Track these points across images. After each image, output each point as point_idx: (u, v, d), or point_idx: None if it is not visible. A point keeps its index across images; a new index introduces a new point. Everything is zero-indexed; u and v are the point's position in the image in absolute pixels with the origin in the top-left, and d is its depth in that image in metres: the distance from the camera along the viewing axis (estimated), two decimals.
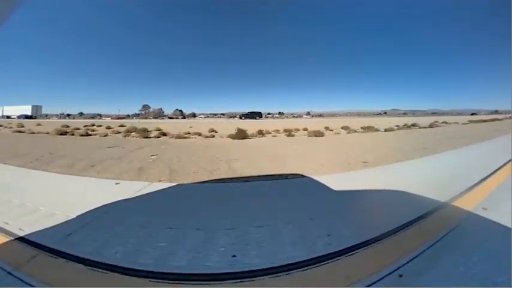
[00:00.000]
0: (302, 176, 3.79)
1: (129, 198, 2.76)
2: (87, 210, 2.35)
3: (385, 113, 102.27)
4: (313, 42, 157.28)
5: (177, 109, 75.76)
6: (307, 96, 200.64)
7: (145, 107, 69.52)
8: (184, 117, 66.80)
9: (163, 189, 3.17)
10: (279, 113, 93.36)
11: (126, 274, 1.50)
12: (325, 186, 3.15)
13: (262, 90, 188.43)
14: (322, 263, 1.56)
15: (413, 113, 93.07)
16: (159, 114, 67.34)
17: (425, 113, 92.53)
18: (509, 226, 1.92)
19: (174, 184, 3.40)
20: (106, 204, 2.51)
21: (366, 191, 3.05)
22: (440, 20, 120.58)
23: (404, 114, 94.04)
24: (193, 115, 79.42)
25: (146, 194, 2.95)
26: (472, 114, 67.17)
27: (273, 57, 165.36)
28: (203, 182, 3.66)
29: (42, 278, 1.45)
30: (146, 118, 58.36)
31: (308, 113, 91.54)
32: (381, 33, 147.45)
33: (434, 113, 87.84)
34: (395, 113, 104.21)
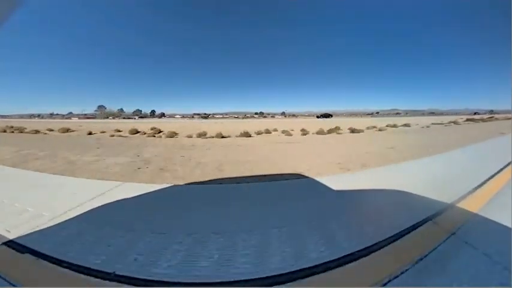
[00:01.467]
0: (302, 176, 3.77)
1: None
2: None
3: (377, 113, 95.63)
4: (310, 42, 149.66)
5: (137, 109, 72.90)
6: (304, 97, 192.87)
7: (101, 107, 67.02)
8: (142, 117, 62.97)
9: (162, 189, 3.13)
10: (260, 112, 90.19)
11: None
12: (327, 187, 3.11)
13: (246, 91, 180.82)
14: (329, 268, 1.54)
15: (406, 113, 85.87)
16: (118, 115, 64.37)
17: (422, 113, 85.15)
18: (510, 226, 1.94)
19: (170, 185, 3.32)
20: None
21: (370, 192, 3.00)
22: (439, 19, 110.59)
23: (398, 114, 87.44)
24: (162, 115, 76.19)
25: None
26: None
27: (263, 57, 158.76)
28: (201, 182, 3.56)
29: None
30: (104, 118, 55.82)
31: (283, 113, 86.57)
32: (379, 33, 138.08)
33: (432, 113, 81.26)
34: (392, 113, 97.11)
